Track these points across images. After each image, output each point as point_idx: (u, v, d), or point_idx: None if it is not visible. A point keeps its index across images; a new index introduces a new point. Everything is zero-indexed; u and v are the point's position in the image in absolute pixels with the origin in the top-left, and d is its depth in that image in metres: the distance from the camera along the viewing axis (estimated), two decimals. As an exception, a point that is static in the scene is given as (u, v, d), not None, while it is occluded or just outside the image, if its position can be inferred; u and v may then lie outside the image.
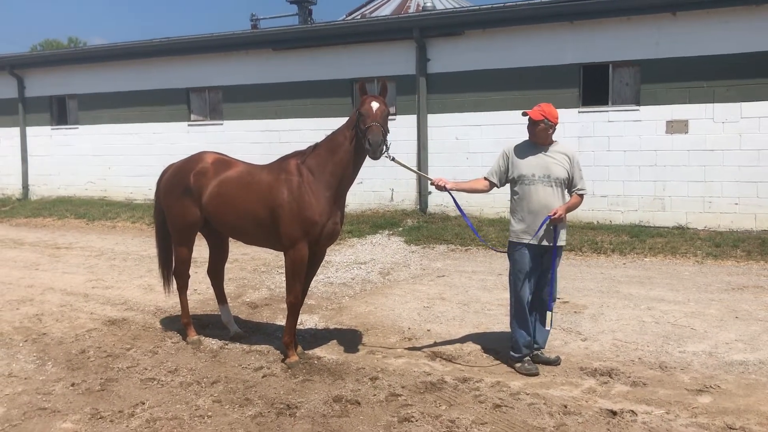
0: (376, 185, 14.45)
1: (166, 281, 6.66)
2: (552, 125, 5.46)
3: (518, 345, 5.48)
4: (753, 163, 11.34)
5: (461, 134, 13.63)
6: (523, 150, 5.55)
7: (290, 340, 5.73)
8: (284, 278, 8.05)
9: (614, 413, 4.53)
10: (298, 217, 5.55)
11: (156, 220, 6.71)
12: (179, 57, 16.46)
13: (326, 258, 10.23)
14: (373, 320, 6.96)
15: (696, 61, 11.69)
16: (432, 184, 5.67)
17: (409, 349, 6.02)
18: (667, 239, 10.88)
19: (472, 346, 6.08)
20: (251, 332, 6.60)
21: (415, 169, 5.94)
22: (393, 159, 5.55)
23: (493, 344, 6.10)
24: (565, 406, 4.66)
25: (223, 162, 6.20)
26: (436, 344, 6.15)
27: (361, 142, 5.38)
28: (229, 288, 7.86)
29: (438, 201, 13.69)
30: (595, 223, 12.43)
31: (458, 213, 5.98)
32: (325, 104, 14.88)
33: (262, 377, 5.36)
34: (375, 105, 5.41)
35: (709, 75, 11.61)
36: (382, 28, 14.27)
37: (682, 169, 11.90)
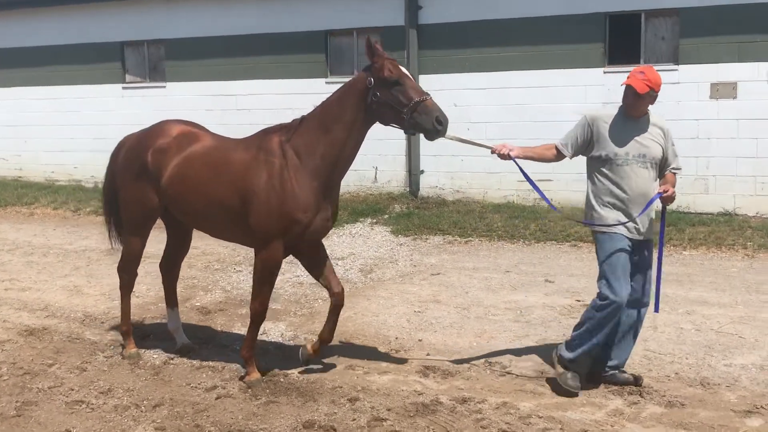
0: (356, 163, 14.41)
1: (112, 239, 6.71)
2: (656, 95, 5.43)
3: (581, 351, 5.44)
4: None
5: (461, 100, 13.61)
6: (614, 122, 5.46)
7: (250, 354, 5.71)
8: (243, 278, 8.03)
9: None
10: (277, 210, 5.41)
11: (105, 197, 6.68)
12: (111, 3, 16.31)
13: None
14: (352, 328, 6.99)
15: (748, 8, 11.73)
16: (493, 152, 5.69)
17: (397, 363, 6.05)
18: (711, 228, 10.98)
19: (473, 360, 6.12)
20: (202, 344, 6.61)
21: (467, 138, 5.86)
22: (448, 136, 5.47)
23: (498, 357, 6.15)
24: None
25: (190, 135, 6.01)
26: (429, 357, 6.19)
27: (378, 115, 5.37)
28: (174, 289, 7.86)
29: (432, 182, 13.72)
30: (624, 209, 12.50)
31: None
32: (293, 62, 14.81)
33: (216, 399, 5.38)
34: (405, 71, 5.33)
35: (765, 27, 11.67)
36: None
37: (729, 142, 12.00)
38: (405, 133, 5.49)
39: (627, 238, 5.37)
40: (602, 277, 5.39)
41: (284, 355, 6.28)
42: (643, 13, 12.56)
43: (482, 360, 6.12)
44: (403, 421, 4.94)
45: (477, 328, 7.00)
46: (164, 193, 5.90)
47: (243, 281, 8.87)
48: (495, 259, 9.98)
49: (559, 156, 5.64)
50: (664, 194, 5.30)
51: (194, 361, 6.15)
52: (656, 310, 5.64)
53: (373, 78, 5.31)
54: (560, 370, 5.47)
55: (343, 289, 5.86)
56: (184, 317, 7.30)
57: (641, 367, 5.87)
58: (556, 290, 8.27)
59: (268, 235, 5.48)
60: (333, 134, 5.45)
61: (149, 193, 5.98)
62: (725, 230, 10.89)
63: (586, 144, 5.51)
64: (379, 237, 11.43)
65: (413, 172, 13.99)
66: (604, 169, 5.43)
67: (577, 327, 5.57)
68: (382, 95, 5.27)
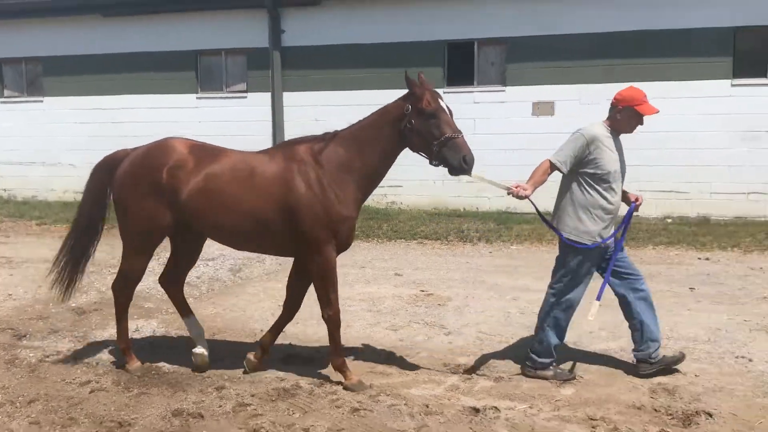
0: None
1: (69, 284, 5.81)
2: None
3: (550, 349, 5.40)
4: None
5: (321, 115, 13.63)
6: (606, 140, 5.23)
7: (341, 359, 5.30)
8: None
9: (477, 410, 4.73)
10: (324, 215, 5.01)
11: (82, 215, 5.74)
12: (-11, 22, 15.34)
13: (168, 254, 9.94)
14: (221, 323, 6.84)
15: (564, 39, 12.33)
16: (510, 193, 5.27)
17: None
18: (534, 226, 11.45)
19: (329, 346, 6.11)
20: (78, 341, 6.30)
21: (492, 180, 5.45)
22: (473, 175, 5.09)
23: (353, 342, 6.17)
24: (427, 406, 4.81)
25: (205, 150, 5.41)
26: (291, 347, 6.14)
27: (409, 142, 5.03)
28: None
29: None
30: (462, 210, 12.89)
31: None
32: (165, 79, 14.40)
33: (90, 393, 5.13)
34: (444, 105, 5.01)
35: (577, 55, 12.30)
36: (229, -6, 13.98)
37: (549, 153, 12.45)
38: (430, 163, 5.04)
39: (601, 247, 5.31)
40: (567, 279, 5.36)
41: (155, 350, 6.07)
42: (476, 42, 12.99)
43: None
44: (266, 405, 4.87)
45: (334, 319, 6.99)
46: (184, 209, 5.22)
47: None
48: (352, 256, 10.00)
49: (551, 173, 5.36)
50: (638, 204, 5.39)
51: (69, 359, 5.84)
52: (598, 298, 5.49)
53: (410, 106, 4.98)
54: (549, 372, 5.36)
55: (297, 311, 5.69)
56: (60, 317, 6.96)
57: (475, 347, 6.04)
58: (404, 282, 8.39)
59: (319, 241, 5.06)
60: (366, 155, 5.09)
61: (162, 210, 5.26)
62: (544, 228, 11.33)
63: (580, 161, 5.23)
64: (247, 239, 11.23)
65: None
66: (596, 185, 5.22)
67: (539, 326, 5.51)
68: (416, 124, 4.94)
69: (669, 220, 12.37)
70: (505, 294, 7.77)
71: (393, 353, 5.88)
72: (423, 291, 7.87)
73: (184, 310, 5.83)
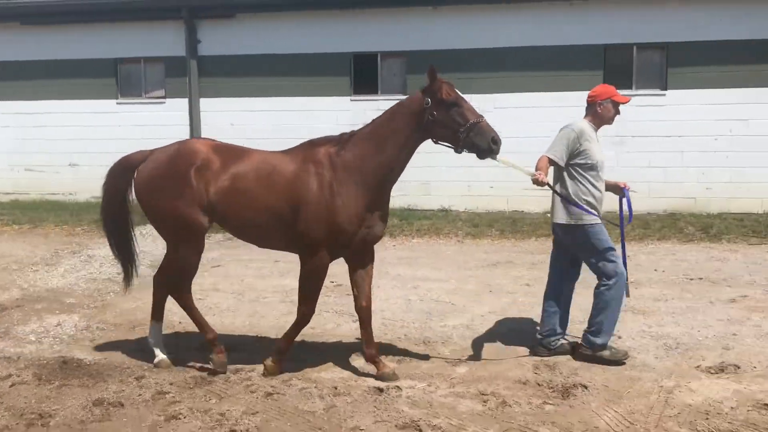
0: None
1: (128, 279, 5.64)
2: None
3: (610, 331, 5.33)
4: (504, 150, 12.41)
5: (238, 120, 13.41)
6: (591, 133, 5.31)
7: (286, 347, 5.11)
8: (40, 276, 7.28)
9: (381, 390, 4.75)
10: (326, 220, 4.79)
11: (107, 218, 5.45)
12: None
13: (90, 252, 9.58)
14: (141, 316, 6.62)
15: (463, 52, 12.55)
16: (533, 179, 5.08)
17: (181, 343, 5.81)
18: (432, 221, 11.63)
19: (245, 336, 6.03)
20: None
21: (517, 165, 5.20)
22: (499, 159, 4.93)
23: (267, 332, 6.10)
24: (336, 388, 4.80)
25: (229, 150, 5.16)
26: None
27: (433, 134, 4.83)
28: (-29, 290, 7.05)
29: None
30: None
31: None
32: (86, 85, 13.85)
33: (10, 386, 4.86)
34: (461, 94, 4.81)
35: (468, 67, 12.53)
36: (146, 5, 13.54)
37: (445, 155, 12.56)
38: (456, 151, 4.87)
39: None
40: (604, 260, 5.26)
41: (77, 344, 5.82)
42: (379, 54, 13.05)
43: (254, 336, 6.05)
44: (184, 392, 4.74)
45: (250, 310, 6.89)
46: (212, 207, 4.97)
47: (39, 279, 8.12)
48: (268, 251, 9.85)
49: (550, 166, 5.33)
50: (628, 189, 5.48)
51: (-10, 354, 5.53)
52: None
53: (430, 98, 4.78)
54: (605, 353, 5.28)
55: (369, 304, 5.19)
56: (-19, 315, 6.58)
57: (379, 332, 6.03)
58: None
59: (315, 243, 4.84)
60: (385, 151, 4.83)
61: (195, 211, 4.95)
62: (442, 223, 11.58)
63: (571, 153, 5.26)
64: (167, 236, 10.92)
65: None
66: (586, 174, 5.28)
67: (596, 314, 5.34)
68: (439, 115, 4.75)
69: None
70: (407, 283, 7.84)
71: (305, 340, 5.83)
72: (333, 282, 7.82)
73: (159, 314, 5.43)
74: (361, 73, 13.19)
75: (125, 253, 5.53)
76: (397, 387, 4.80)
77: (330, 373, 5.11)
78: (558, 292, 5.59)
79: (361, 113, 13.03)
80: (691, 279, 7.97)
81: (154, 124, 13.58)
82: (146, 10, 13.50)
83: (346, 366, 5.26)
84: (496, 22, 12.44)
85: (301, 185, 4.84)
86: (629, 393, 4.68)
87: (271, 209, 4.90)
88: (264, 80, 13.30)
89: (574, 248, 5.44)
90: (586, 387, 4.77)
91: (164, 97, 13.86)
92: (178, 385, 4.85)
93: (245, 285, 7.89)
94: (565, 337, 5.63)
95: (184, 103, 13.60)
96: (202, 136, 13.45)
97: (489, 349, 5.64)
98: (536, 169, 5.18)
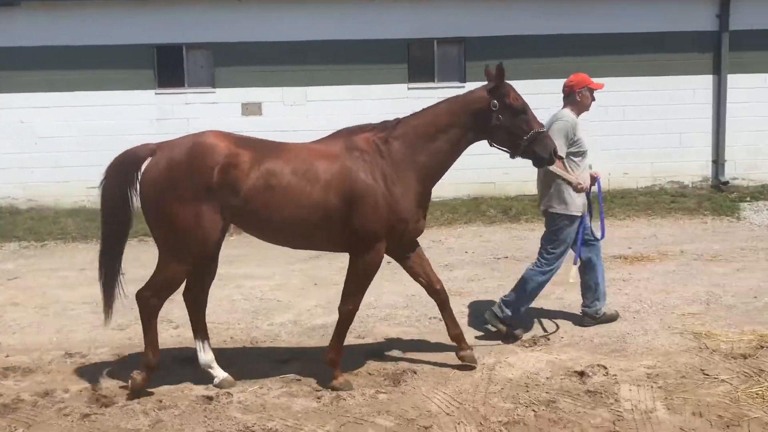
0: None
1: (108, 305, 4.77)
2: None
3: (520, 314, 5.59)
4: (319, 142, 12.42)
5: (28, 117, 12.14)
6: (577, 122, 5.46)
7: (337, 357, 4.68)
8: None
9: (210, 398, 4.49)
10: (385, 211, 4.42)
11: (108, 222, 4.69)
12: None
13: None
14: None
15: (274, 45, 12.30)
16: (577, 186, 5.21)
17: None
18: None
19: (53, 354, 5.44)
20: None
21: (564, 173, 5.19)
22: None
23: (77, 347, 5.55)
24: (161, 401, 4.46)
25: (256, 143, 4.57)
26: (8, 358, 5.34)
27: (493, 136, 4.64)
28: None
29: (5, 192, 12.06)
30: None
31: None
32: None
33: None
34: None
35: (280, 60, 12.34)
36: None
37: (259, 149, 12.45)
38: (510, 157, 4.72)
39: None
40: (562, 247, 5.52)
41: None
42: (184, 46, 12.43)
43: (62, 352, 5.46)
44: (-17, 425, 4.17)
45: (57, 324, 6.24)
46: (239, 210, 4.37)
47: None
48: (71, 258, 9.05)
49: None
50: (599, 179, 5.72)
51: None
52: (575, 263, 5.67)
53: (497, 101, 4.52)
54: (501, 327, 5.49)
55: (442, 285, 4.97)
56: None
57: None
58: (128, 280, 7.71)
59: (373, 237, 4.47)
60: (437, 144, 4.56)
61: (214, 215, 4.33)
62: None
63: (569, 144, 5.39)
64: (-50, 249, 9.63)
65: (-17, 185, 12.13)
66: (577, 162, 5.42)
67: (517, 290, 5.55)
68: (506, 120, 4.53)
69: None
70: (229, 282, 7.52)
71: (121, 352, 5.38)
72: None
73: (201, 330, 4.88)
74: (166, 66, 12.49)
75: (113, 268, 4.77)
76: (228, 393, 4.56)
77: (152, 385, 4.73)
78: (591, 266, 5.74)
79: (168, 107, 12.40)
80: (498, 258, 8.44)
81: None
82: None
83: (171, 376, 4.90)
84: (301, 16, 12.33)
85: (352, 176, 4.43)
86: (455, 374, 4.82)
87: (318, 206, 4.41)
88: (57, 74, 12.11)
89: (547, 232, 5.65)
90: (415, 372, 4.84)
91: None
92: (-25, 418, 4.25)
93: (49, 297, 7.14)
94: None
95: (-37, 99, 12.09)
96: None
97: (319, 343, 5.54)
98: (562, 171, 5.24)
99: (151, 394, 4.55)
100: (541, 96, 12.26)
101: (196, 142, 4.45)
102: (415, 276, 4.99)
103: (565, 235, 5.53)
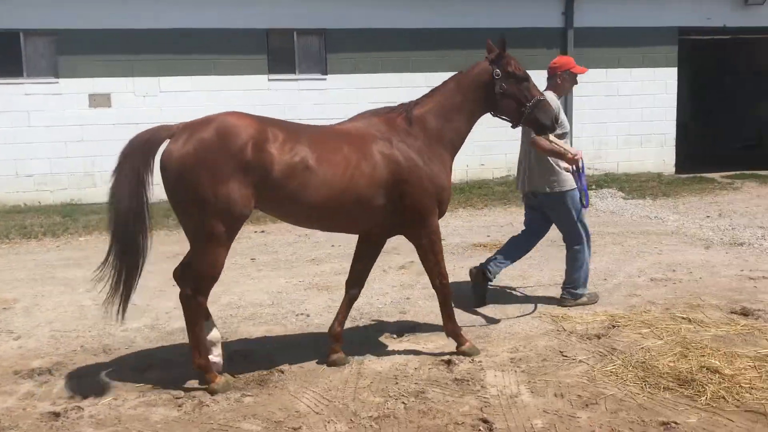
0: None
1: (124, 303, 4.43)
2: None
3: (586, 280, 5.97)
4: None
5: None
6: (559, 104, 5.63)
7: (457, 327, 4.93)
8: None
9: (57, 414, 4.10)
10: (431, 185, 4.56)
11: (122, 211, 4.25)
12: None
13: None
14: None
15: (115, 33, 11.57)
16: (576, 157, 5.51)
17: None
18: (102, 215, 10.58)
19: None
20: None
21: (563, 144, 5.59)
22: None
23: None
24: (-1, 422, 4.02)
25: (282, 123, 4.41)
26: None
27: (498, 106, 4.81)
28: None
29: None
30: (23, 206, 11.39)
31: None
32: None
33: None
34: None
35: (130, 49, 11.65)
36: None
37: (109, 143, 11.68)
38: (512, 126, 4.94)
39: None
40: (579, 223, 5.82)
41: None
42: (22, 33, 11.46)
43: None
44: None
45: None
46: (271, 191, 4.22)
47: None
48: None
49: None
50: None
51: None
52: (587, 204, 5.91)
53: (500, 71, 4.69)
54: (582, 300, 5.93)
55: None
56: None
57: (50, 347, 5.27)
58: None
59: (427, 212, 4.61)
60: (455, 123, 4.73)
61: (247, 193, 4.15)
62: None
63: None
64: None
65: None
66: (560, 142, 5.56)
67: (572, 272, 5.91)
68: (509, 88, 4.72)
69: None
70: (78, 287, 6.98)
71: (-49, 370, 4.82)
72: (-17, 296, 6.66)
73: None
74: (1, 54, 11.46)
75: (131, 265, 4.39)
76: (78, 407, 4.18)
77: (-11, 405, 4.26)
78: (531, 246, 6.18)
79: (6, 99, 11.39)
80: (364, 251, 8.41)
81: None
82: None
83: (11, 392, 4.43)
84: (154, 2, 11.71)
85: (392, 159, 4.49)
86: (324, 371, 4.70)
87: (361, 187, 4.39)
88: None
89: (550, 212, 5.93)
90: (282, 372, 4.67)
91: None
92: None
93: None
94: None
95: None
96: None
97: (179, 348, 5.24)
98: (555, 148, 5.49)
99: None
100: (404, 89, 12.49)
101: (222, 120, 4.24)
102: (355, 259, 5.10)
103: (570, 206, 5.82)
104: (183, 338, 5.39)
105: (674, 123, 14.27)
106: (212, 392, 4.32)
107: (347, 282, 4.96)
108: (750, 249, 7.96)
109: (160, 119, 11.74)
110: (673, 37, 13.93)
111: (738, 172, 14.25)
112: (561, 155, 5.53)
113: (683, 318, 5.51)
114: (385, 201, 4.51)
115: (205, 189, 4.07)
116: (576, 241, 5.89)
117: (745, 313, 5.62)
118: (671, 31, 13.88)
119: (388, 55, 12.58)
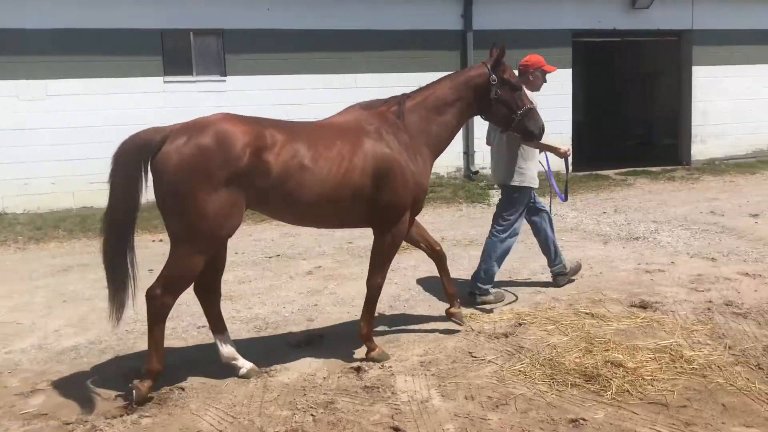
0: None
1: (119, 308, 4.27)
2: None
3: (493, 277, 6.01)
4: (67, 141, 11.19)
5: None
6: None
7: (371, 331, 4.85)
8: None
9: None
10: (412, 182, 4.59)
11: (116, 215, 4.20)
12: None
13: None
14: None
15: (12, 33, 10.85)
16: (565, 154, 6.00)
17: None
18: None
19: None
20: None
21: (550, 142, 5.95)
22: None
23: None
24: None
25: (276, 123, 4.39)
26: None
27: (489, 111, 4.98)
28: None
29: None
30: None
31: None
32: None
33: None
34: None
35: (13, 50, 10.92)
36: None
37: (-5, 150, 10.94)
38: (501, 132, 5.46)
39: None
40: (517, 214, 6.04)
41: None
42: None
43: None
44: None
45: None
46: (269, 191, 4.21)
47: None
48: None
49: None
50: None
51: None
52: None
53: (497, 77, 4.84)
54: (490, 296, 5.98)
55: (441, 246, 5.29)
56: None
57: None
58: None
59: (402, 209, 4.63)
60: (445, 118, 4.81)
61: (239, 200, 4.17)
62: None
63: None
64: None
65: None
66: (550, 140, 5.80)
67: (484, 260, 5.99)
68: (503, 95, 4.90)
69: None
70: (-45, 307, 6.42)
71: None
72: None
73: (218, 326, 4.66)
74: None
75: (124, 268, 4.26)
76: (-48, 442, 3.80)
77: None
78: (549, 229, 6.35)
79: None
80: (270, 257, 8.20)
81: None
82: None
83: None
84: (38, 1, 11.01)
85: (380, 151, 4.50)
86: (227, 386, 4.49)
87: (349, 183, 4.40)
88: None
89: (502, 198, 6.14)
90: (183, 389, 4.43)
91: None
92: None
93: None
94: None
95: None
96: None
97: (70, 369, 4.87)
98: (544, 144, 5.74)
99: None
100: (305, 91, 12.30)
101: (220, 125, 4.18)
102: (415, 243, 5.23)
103: (520, 203, 6.05)
104: (74, 357, 5.05)
105: (570, 122, 14.72)
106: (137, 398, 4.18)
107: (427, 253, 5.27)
108: (645, 243, 8.27)
109: (48, 125, 11.10)
110: (567, 40, 14.38)
111: (631, 169, 14.86)
112: (553, 150, 5.96)
113: (586, 313, 5.62)
114: (370, 195, 4.52)
115: (198, 194, 4.03)
116: (508, 232, 6.07)
117: (644, 306, 5.80)
118: (565, 34, 14.31)
119: (288, 56, 12.35)
